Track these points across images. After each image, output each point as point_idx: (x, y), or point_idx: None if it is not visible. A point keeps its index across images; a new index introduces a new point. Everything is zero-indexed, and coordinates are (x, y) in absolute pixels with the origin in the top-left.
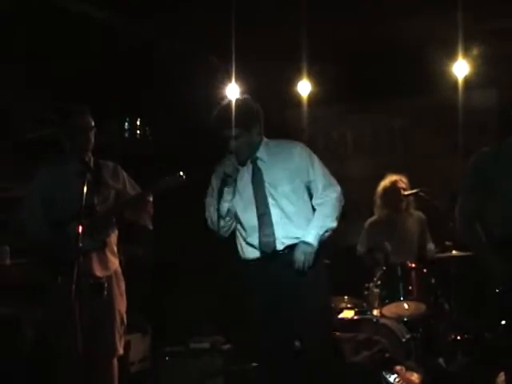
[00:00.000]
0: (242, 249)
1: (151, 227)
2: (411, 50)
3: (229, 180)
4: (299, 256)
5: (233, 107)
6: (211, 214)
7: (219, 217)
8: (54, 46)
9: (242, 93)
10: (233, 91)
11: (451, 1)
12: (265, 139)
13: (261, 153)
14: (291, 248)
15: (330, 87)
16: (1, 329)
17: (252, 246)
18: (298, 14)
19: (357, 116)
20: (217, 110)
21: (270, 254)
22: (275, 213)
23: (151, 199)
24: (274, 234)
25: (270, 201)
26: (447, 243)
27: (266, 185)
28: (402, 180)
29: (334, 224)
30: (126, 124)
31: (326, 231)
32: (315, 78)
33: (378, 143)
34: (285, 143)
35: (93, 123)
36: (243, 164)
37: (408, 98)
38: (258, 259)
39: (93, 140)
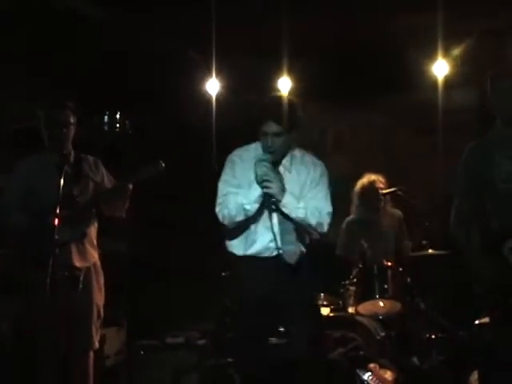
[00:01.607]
0: (246, 244)
1: (124, 215)
2: (392, 49)
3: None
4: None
5: (283, 102)
6: (232, 207)
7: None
8: (39, 40)
9: (223, 88)
10: (213, 86)
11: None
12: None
13: (287, 161)
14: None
15: (311, 84)
16: None
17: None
18: (279, 10)
19: (336, 114)
20: (267, 101)
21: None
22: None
23: (131, 187)
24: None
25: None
26: (423, 242)
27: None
28: (379, 179)
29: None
30: (106, 118)
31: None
32: (296, 74)
33: (357, 141)
34: (309, 157)
35: (72, 118)
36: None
37: (388, 97)
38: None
39: (72, 134)
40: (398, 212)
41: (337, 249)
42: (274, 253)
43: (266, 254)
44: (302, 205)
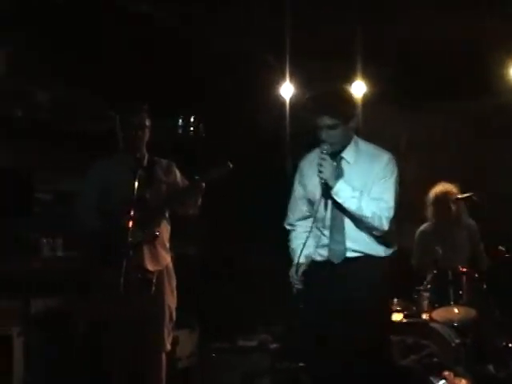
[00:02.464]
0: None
1: (197, 213)
2: (468, 52)
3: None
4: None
5: (334, 93)
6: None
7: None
8: (114, 44)
9: (297, 92)
10: (287, 91)
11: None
12: (355, 137)
13: (348, 152)
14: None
15: (385, 88)
16: (53, 321)
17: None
18: (352, 14)
19: (410, 117)
20: (314, 93)
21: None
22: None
23: (203, 185)
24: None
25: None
26: (500, 248)
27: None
28: (453, 188)
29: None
30: (180, 121)
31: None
32: (370, 78)
33: (432, 145)
34: (374, 148)
35: (148, 121)
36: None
37: (463, 100)
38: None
39: (147, 137)
40: (473, 223)
41: (412, 262)
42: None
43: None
44: (356, 194)
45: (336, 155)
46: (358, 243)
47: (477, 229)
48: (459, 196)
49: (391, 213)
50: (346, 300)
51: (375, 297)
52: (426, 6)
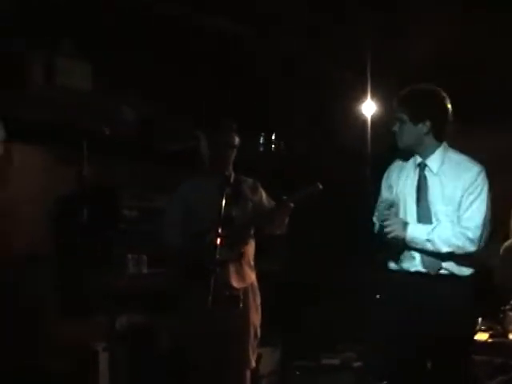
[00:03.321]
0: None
1: (284, 232)
2: None
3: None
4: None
5: (412, 91)
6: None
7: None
8: (199, 63)
9: (379, 110)
10: (369, 108)
11: None
12: (444, 145)
13: (433, 160)
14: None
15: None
16: (138, 337)
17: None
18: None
19: (486, 134)
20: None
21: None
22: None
23: (292, 206)
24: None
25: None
26: None
27: (428, 198)
28: None
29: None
30: (261, 139)
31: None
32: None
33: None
34: (465, 159)
35: (237, 140)
36: (404, 155)
37: None
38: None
39: (233, 156)
40: None
41: (495, 277)
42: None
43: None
44: (432, 236)
45: (422, 167)
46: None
47: None
48: None
49: (477, 233)
50: (432, 320)
51: (462, 319)
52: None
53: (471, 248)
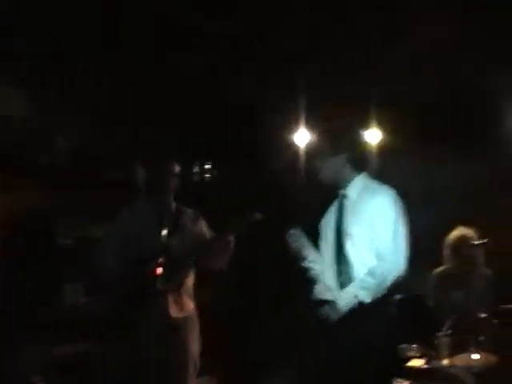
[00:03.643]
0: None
1: (225, 269)
2: (485, 102)
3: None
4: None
5: (332, 127)
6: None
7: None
8: (137, 90)
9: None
10: (302, 137)
11: None
12: (364, 175)
13: (350, 189)
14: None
15: (399, 136)
16: (74, 367)
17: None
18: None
19: (428, 164)
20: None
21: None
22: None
23: (232, 240)
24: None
25: (338, 243)
26: None
27: (340, 224)
28: (470, 233)
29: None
30: (195, 168)
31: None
32: (386, 126)
33: (450, 192)
34: (377, 185)
35: (177, 169)
36: (331, 196)
37: (485, 148)
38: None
39: (174, 185)
40: (489, 273)
41: (427, 300)
42: None
43: None
44: (360, 292)
45: (342, 197)
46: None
47: (492, 278)
48: (476, 242)
49: (402, 256)
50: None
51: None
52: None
53: (390, 275)
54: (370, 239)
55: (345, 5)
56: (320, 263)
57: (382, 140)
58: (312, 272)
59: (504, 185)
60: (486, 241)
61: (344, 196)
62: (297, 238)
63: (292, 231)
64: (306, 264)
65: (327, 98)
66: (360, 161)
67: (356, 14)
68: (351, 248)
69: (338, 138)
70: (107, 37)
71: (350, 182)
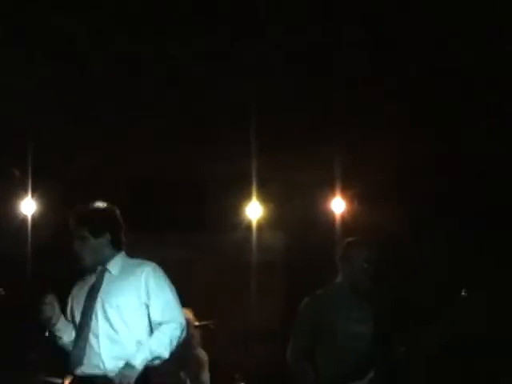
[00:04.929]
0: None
1: None
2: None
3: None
4: (116, 376)
5: (89, 209)
6: None
7: None
8: None
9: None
10: (28, 207)
11: None
12: (123, 253)
13: (112, 265)
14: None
15: None
16: None
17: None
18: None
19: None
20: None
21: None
22: (103, 328)
23: None
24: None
25: (100, 314)
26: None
27: (102, 296)
28: (189, 314)
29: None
30: None
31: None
32: None
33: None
34: (139, 260)
35: None
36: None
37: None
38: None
39: None
40: (204, 355)
41: None
42: None
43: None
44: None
45: (101, 272)
46: None
47: (206, 362)
48: (197, 323)
49: (179, 323)
50: None
51: None
52: None
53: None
54: (139, 306)
55: None
56: (69, 333)
57: None
58: (60, 341)
59: None
60: (207, 322)
61: (104, 270)
62: (50, 302)
63: (47, 296)
64: (54, 331)
65: None
66: (120, 240)
67: None
68: (117, 318)
69: (104, 219)
70: None
71: (111, 259)
